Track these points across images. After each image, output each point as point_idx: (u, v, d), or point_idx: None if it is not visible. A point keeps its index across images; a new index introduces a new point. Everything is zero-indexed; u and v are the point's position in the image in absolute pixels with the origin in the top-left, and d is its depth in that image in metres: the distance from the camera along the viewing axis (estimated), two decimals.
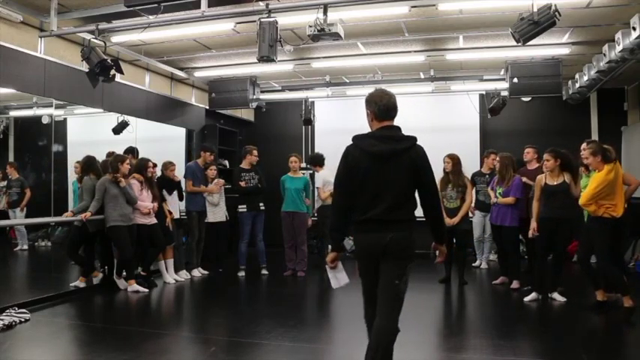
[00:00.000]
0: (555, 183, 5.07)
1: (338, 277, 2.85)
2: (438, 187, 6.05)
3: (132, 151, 6.75)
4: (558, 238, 5.04)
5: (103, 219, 5.56)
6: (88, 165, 5.77)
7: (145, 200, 5.85)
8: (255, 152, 6.84)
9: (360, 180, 2.69)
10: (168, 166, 6.44)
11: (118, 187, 5.56)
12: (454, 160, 6.07)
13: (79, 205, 5.60)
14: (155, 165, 6.24)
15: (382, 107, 2.72)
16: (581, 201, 4.63)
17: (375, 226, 2.68)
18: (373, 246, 2.69)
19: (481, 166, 7.02)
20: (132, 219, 5.70)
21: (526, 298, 5.19)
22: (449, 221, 5.90)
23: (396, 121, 2.77)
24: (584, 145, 4.85)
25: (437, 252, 2.92)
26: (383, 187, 2.67)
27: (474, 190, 6.57)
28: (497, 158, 6.02)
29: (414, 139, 2.73)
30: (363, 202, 2.71)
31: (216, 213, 6.85)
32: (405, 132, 2.70)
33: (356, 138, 2.77)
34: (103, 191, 5.52)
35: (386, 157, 2.67)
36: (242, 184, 6.66)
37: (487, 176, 6.69)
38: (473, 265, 7.29)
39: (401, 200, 2.68)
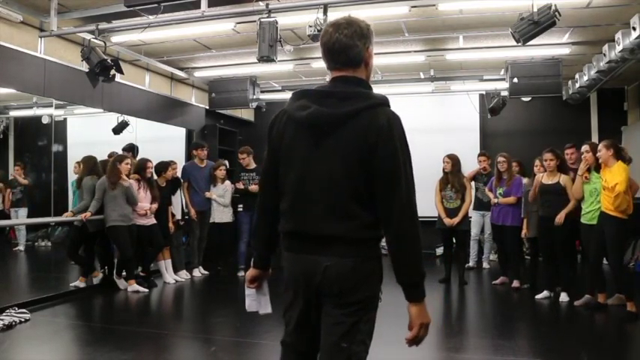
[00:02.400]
0: (550, 182, 5.13)
1: (260, 301, 2.01)
2: (437, 187, 6.23)
3: (131, 149, 6.73)
4: (555, 237, 5.05)
5: (102, 219, 5.55)
6: (91, 168, 5.76)
7: (143, 201, 5.83)
8: (240, 155, 6.85)
9: (284, 165, 1.71)
10: (171, 164, 6.44)
11: (119, 187, 5.56)
12: (453, 160, 6.09)
13: (79, 205, 5.60)
14: (175, 166, 6.36)
15: (323, 50, 1.76)
16: (619, 188, 4.39)
17: (303, 244, 1.67)
18: (298, 274, 1.70)
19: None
20: (132, 219, 5.69)
21: (537, 296, 5.20)
22: (449, 221, 5.92)
23: None
24: (585, 147, 4.85)
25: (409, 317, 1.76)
26: (313, 180, 1.64)
27: (473, 189, 6.56)
28: (499, 159, 6.02)
29: (376, 98, 1.65)
30: (285, 202, 1.72)
31: (225, 213, 6.84)
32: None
33: (292, 96, 1.78)
34: (103, 191, 5.52)
35: (318, 126, 1.63)
36: (239, 184, 6.70)
37: (484, 176, 6.72)
38: (466, 266, 6.62)
39: (343, 203, 1.61)
